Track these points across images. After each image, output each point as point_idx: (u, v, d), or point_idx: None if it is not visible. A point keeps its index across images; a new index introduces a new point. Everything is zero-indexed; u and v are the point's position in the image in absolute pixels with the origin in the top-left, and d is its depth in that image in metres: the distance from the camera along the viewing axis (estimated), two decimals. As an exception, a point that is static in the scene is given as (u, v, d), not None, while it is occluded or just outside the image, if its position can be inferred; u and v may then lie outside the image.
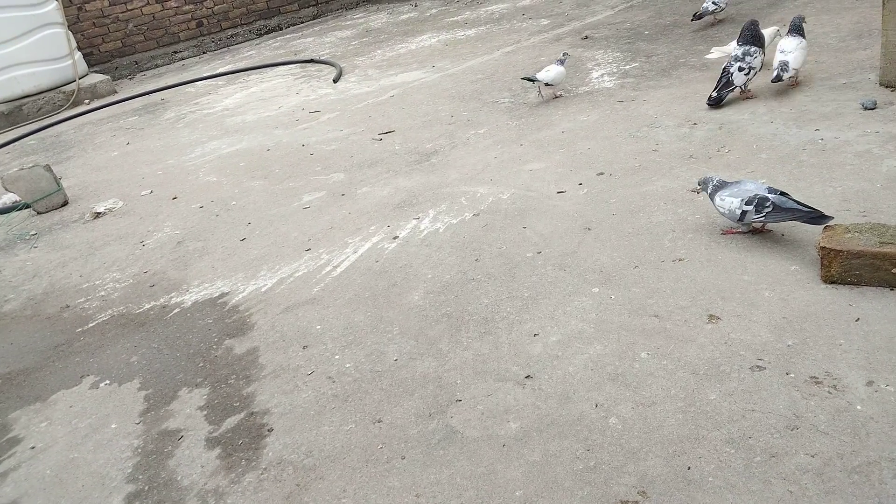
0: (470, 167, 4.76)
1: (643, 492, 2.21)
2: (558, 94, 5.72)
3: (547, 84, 5.55)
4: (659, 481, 2.23)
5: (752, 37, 4.72)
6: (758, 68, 4.75)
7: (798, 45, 4.64)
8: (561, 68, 5.54)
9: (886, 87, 4.47)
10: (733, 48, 4.91)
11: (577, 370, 2.76)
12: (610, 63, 6.21)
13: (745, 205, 3.18)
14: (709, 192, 3.39)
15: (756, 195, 3.16)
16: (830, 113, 4.33)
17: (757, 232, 3.34)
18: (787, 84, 4.81)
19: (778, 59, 4.67)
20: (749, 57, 4.69)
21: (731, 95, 4.82)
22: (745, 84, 4.77)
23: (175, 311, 3.80)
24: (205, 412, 2.97)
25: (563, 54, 5.64)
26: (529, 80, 5.56)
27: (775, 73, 4.63)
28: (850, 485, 2.08)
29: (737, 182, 3.30)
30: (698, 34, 6.45)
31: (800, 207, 3.09)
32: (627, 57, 6.26)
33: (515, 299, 3.26)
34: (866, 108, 4.26)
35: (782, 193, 3.16)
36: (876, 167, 3.63)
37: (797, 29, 4.68)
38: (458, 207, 4.23)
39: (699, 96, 5.02)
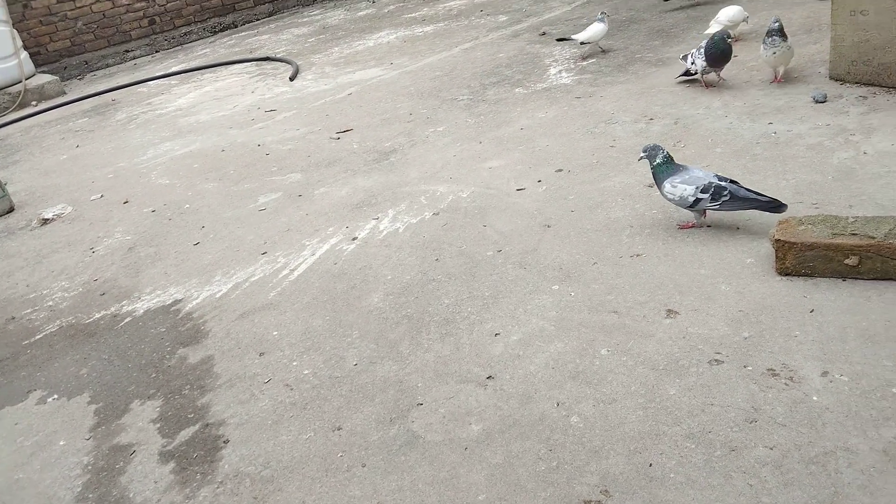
0: (429, 165, 4.72)
1: (606, 491, 2.20)
2: (602, 49, 5.96)
3: (582, 43, 5.72)
4: (621, 479, 2.22)
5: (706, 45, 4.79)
6: (698, 67, 4.85)
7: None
8: (601, 26, 5.75)
9: (836, 80, 4.55)
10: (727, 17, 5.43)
11: (539, 369, 2.74)
12: (567, 59, 6.21)
13: (701, 192, 3.18)
14: (655, 162, 3.31)
15: (712, 183, 3.18)
16: (783, 106, 4.39)
17: (708, 227, 3.35)
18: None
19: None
20: (698, 53, 4.85)
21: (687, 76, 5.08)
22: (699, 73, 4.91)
23: (126, 319, 3.69)
24: (158, 425, 2.88)
25: (602, 13, 5.86)
26: (564, 39, 5.71)
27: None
28: (807, 476, 2.09)
29: (684, 168, 3.30)
30: (654, 30, 6.49)
31: (757, 197, 3.13)
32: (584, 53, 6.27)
33: (476, 299, 3.23)
34: (817, 102, 4.33)
35: (731, 181, 3.19)
36: (827, 159, 3.68)
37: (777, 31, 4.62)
38: (417, 207, 4.19)
39: (655, 91, 5.05)
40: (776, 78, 4.78)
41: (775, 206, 3.12)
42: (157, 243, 4.45)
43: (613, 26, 6.83)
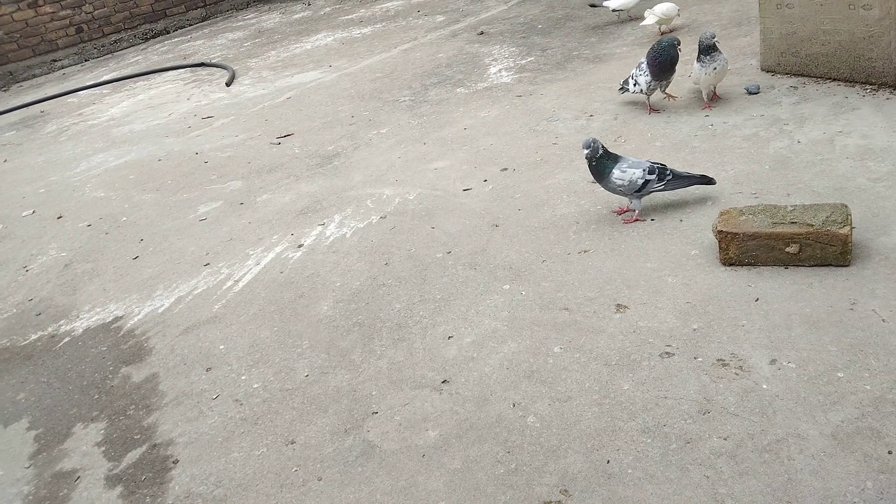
0: (374, 168, 4.66)
1: (565, 490, 2.19)
2: (631, 17, 5.95)
3: (614, 10, 5.69)
4: (580, 478, 2.22)
5: (650, 56, 4.30)
6: (642, 86, 4.37)
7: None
8: None
9: (767, 71, 4.67)
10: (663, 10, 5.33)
11: (493, 370, 2.73)
12: (507, 58, 6.24)
13: (648, 174, 3.31)
14: (599, 154, 3.30)
15: (655, 165, 3.35)
16: (718, 92, 4.48)
17: (652, 220, 3.40)
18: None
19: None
20: (638, 71, 4.38)
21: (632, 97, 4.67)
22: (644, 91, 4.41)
23: (65, 340, 3.54)
24: (103, 448, 2.77)
25: None
26: (594, 6, 5.67)
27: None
28: (761, 464, 2.13)
29: (623, 158, 3.39)
30: (590, 27, 6.57)
31: (693, 174, 3.43)
32: (523, 51, 6.31)
33: (428, 302, 3.20)
34: (751, 93, 4.43)
35: (662, 166, 3.38)
36: (763, 149, 3.78)
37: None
38: (364, 211, 4.13)
39: (594, 88, 5.11)
40: (714, 97, 4.41)
41: (707, 180, 3.41)
42: (94, 259, 4.28)
43: (549, 24, 6.89)
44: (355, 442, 2.53)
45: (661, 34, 5.33)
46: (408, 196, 4.18)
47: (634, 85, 4.42)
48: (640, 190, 3.34)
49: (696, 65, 4.23)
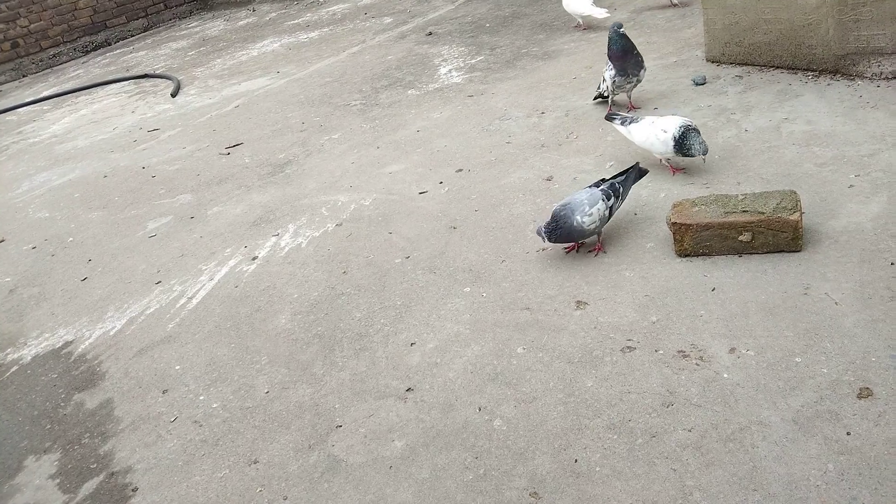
0: (328, 175, 4.60)
1: (535, 493, 2.18)
2: (675, 2, 5.92)
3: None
4: (549, 479, 2.21)
5: (610, 49, 4.19)
6: (607, 83, 4.26)
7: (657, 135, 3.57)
8: None
9: (712, 62, 4.74)
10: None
11: (458, 375, 2.70)
12: (456, 58, 6.22)
13: (607, 199, 3.11)
14: (556, 226, 3.07)
15: (603, 187, 3.16)
16: (666, 91, 4.54)
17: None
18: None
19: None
20: (605, 70, 4.28)
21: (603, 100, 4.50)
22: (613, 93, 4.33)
23: (13, 369, 3.40)
24: (57, 480, 2.66)
25: None
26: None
27: (622, 117, 3.78)
28: (726, 454, 2.14)
29: (569, 202, 3.10)
30: (538, 24, 6.59)
31: (629, 171, 3.30)
32: (472, 51, 6.30)
33: (388, 309, 3.16)
34: (697, 84, 4.49)
35: (610, 183, 3.21)
36: (712, 139, 3.82)
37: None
38: (319, 219, 4.07)
39: (544, 85, 5.12)
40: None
41: (642, 172, 3.36)
42: (40, 282, 4.13)
43: (497, 23, 6.89)
44: (320, 457, 2.48)
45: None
46: (363, 202, 4.13)
47: (602, 82, 4.34)
48: (610, 217, 3.18)
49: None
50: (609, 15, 5.75)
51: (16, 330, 3.72)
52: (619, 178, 3.26)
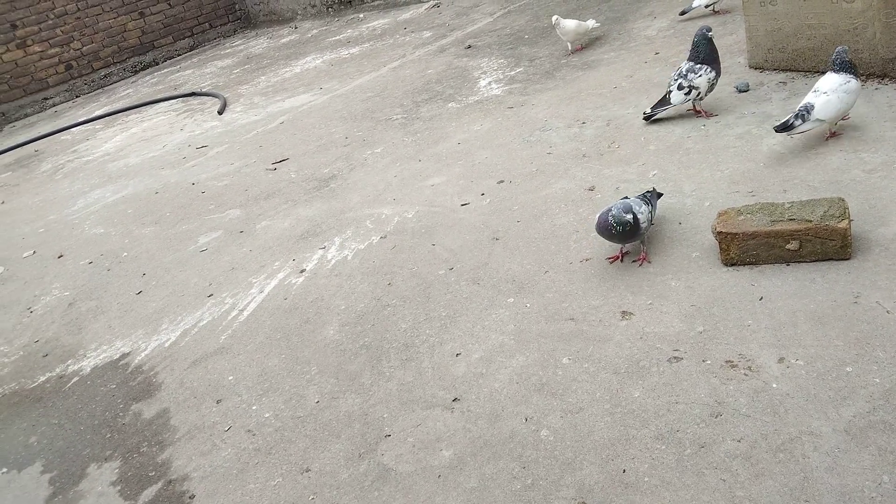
0: (371, 188, 4.68)
1: (583, 502, 2.19)
2: (717, 10, 5.93)
3: (707, 6, 5.80)
4: (597, 489, 2.22)
5: (702, 53, 4.16)
6: (703, 88, 4.17)
7: (839, 86, 3.46)
8: None
9: (755, 69, 4.70)
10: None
11: (503, 385, 2.73)
12: (496, 70, 6.27)
13: (646, 204, 3.21)
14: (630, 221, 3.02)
15: (636, 198, 3.24)
16: (709, 99, 4.49)
17: (651, 225, 3.30)
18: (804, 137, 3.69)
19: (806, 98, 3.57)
20: (692, 74, 4.16)
21: (665, 113, 4.35)
22: (691, 102, 4.27)
23: (74, 380, 3.54)
24: (118, 487, 2.77)
25: None
26: (685, 13, 5.90)
27: (787, 119, 3.49)
28: (776, 464, 2.13)
29: (611, 208, 3.09)
30: (576, 33, 6.60)
31: (655, 194, 3.37)
32: (511, 63, 6.34)
33: (433, 320, 3.21)
34: (740, 91, 4.46)
35: (646, 193, 3.31)
36: (757, 147, 3.79)
37: (842, 64, 3.52)
38: (364, 231, 4.15)
39: (584, 95, 5.13)
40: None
41: (658, 194, 3.41)
42: (97, 296, 4.29)
43: (535, 34, 6.93)
44: (370, 466, 2.53)
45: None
46: (406, 214, 4.20)
47: (688, 93, 4.17)
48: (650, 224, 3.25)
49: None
50: (598, 24, 6.05)
51: (75, 342, 3.87)
52: (653, 198, 3.34)
